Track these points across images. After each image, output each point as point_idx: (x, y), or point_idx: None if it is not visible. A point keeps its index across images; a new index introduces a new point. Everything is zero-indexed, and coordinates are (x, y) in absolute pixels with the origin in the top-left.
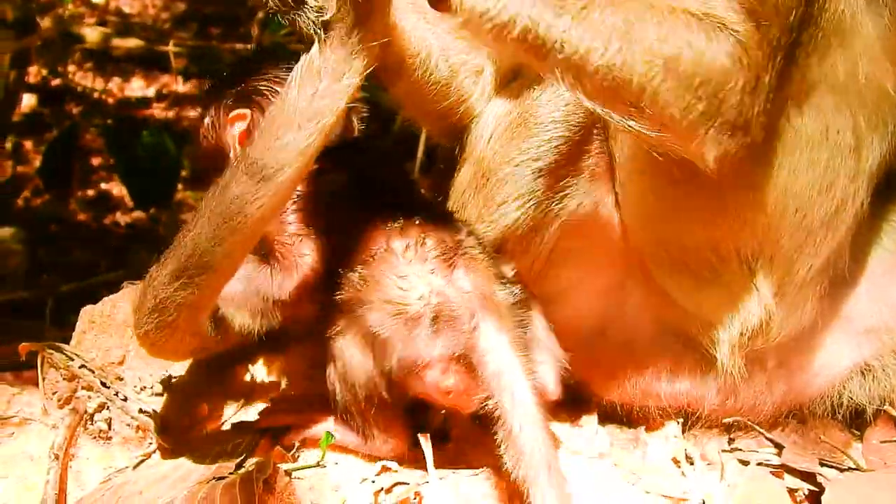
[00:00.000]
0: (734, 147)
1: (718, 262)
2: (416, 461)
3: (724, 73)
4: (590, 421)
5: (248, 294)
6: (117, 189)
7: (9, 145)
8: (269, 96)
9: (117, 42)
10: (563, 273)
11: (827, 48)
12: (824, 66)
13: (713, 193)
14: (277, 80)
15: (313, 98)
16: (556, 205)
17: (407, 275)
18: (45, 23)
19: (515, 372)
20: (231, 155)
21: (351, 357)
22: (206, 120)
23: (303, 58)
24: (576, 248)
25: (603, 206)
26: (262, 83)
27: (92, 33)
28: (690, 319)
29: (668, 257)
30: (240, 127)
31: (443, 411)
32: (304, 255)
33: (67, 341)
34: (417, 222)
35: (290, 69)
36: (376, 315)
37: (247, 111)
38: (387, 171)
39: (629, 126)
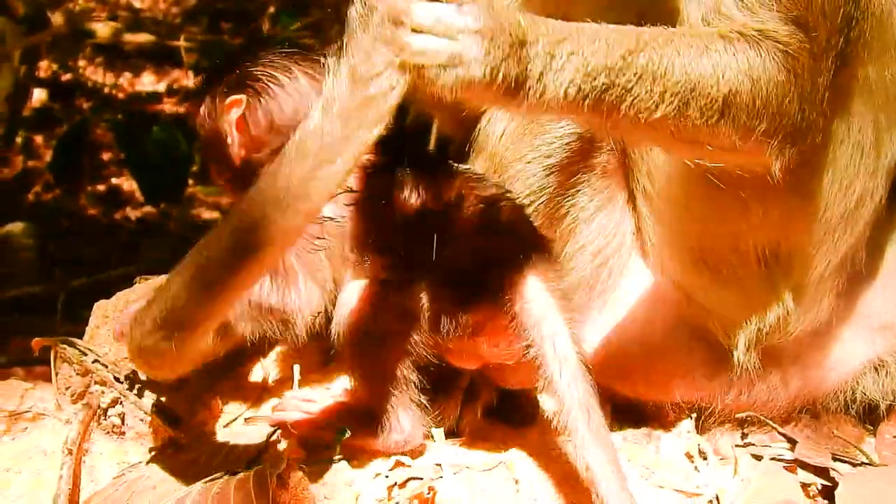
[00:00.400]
0: (797, 153)
1: (737, 259)
2: (430, 456)
3: (781, 88)
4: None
5: (253, 306)
6: (128, 184)
7: (19, 140)
8: (265, 81)
9: (128, 37)
10: (576, 267)
11: (867, 47)
12: (857, 66)
13: (733, 192)
14: (273, 64)
15: (350, 114)
16: (568, 201)
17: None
18: (56, 18)
19: (556, 320)
20: (228, 142)
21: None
22: (202, 108)
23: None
24: (588, 244)
25: (615, 203)
26: (258, 68)
27: (103, 28)
28: (707, 315)
29: (685, 254)
30: (236, 113)
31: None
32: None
33: (79, 336)
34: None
35: (285, 53)
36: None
37: (242, 97)
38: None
39: (687, 157)
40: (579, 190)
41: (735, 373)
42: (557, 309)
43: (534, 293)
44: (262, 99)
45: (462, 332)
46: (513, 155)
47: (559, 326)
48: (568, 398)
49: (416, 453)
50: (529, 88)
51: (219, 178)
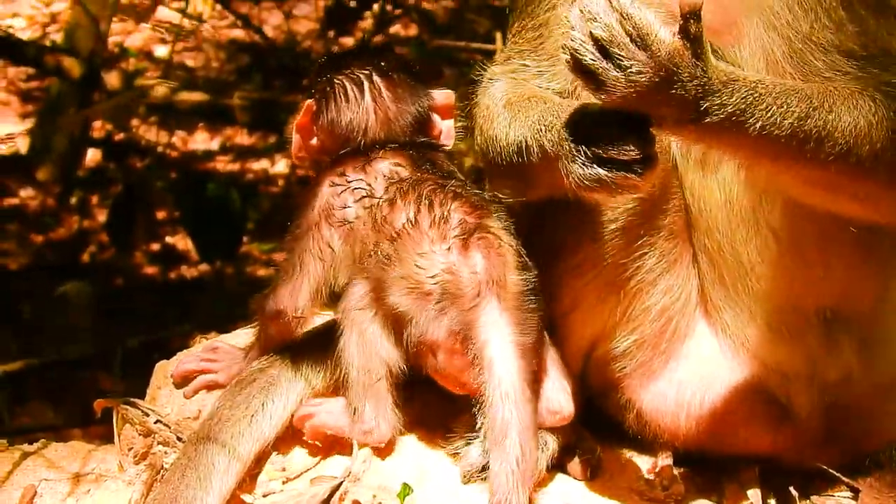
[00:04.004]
0: None
1: (798, 318)
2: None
3: None
4: (667, 468)
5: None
6: (182, 242)
7: (74, 200)
8: (336, 89)
9: (182, 96)
10: (641, 326)
11: None
12: None
13: (794, 252)
14: (351, 74)
15: None
16: (634, 263)
17: (426, 252)
18: (110, 78)
19: (508, 364)
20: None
21: (370, 328)
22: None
23: None
24: (654, 305)
25: (681, 263)
26: (337, 74)
27: (158, 87)
28: (769, 373)
29: (746, 313)
30: (302, 117)
31: None
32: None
33: (138, 394)
34: (445, 199)
35: (366, 64)
36: (396, 291)
37: (311, 101)
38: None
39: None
40: (645, 252)
41: (798, 426)
42: (512, 349)
43: (489, 331)
44: (326, 107)
45: (419, 347)
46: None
47: (506, 369)
48: (500, 450)
49: (383, 452)
50: None
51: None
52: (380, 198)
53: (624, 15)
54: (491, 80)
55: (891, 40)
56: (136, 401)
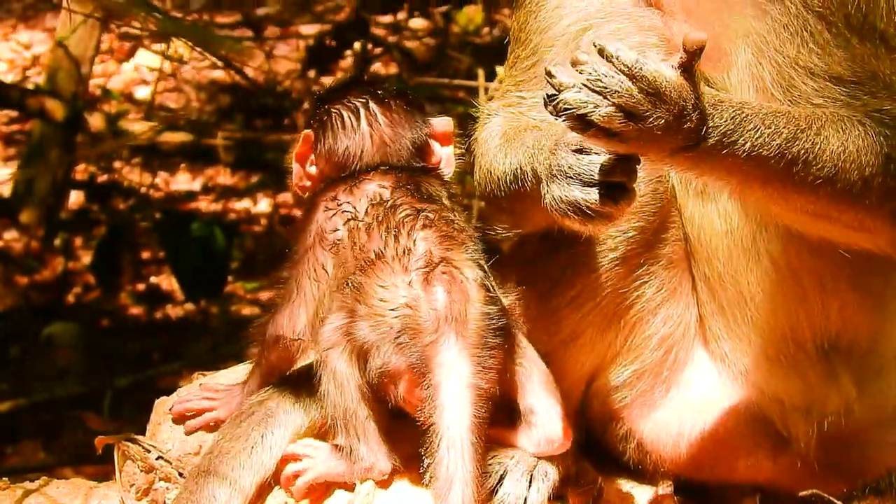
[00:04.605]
0: None
1: (796, 349)
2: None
3: None
4: (668, 498)
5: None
6: (167, 282)
7: (58, 242)
8: (332, 118)
9: (165, 136)
10: (641, 356)
11: None
12: None
13: (792, 282)
14: (347, 103)
15: None
16: (634, 293)
17: (387, 285)
18: (93, 120)
19: (458, 412)
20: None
21: (340, 367)
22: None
23: None
24: (654, 334)
25: (681, 292)
26: (334, 104)
27: (140, 129)
28: (768, 402)
29: (745, 343)
30: (301, 146)
31: None
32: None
33: (126, 432)
34: (413, 229)
35: (361, 93)
36: (360, 325)
37: (309, 132)
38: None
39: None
40: (645, 281)
41: (796, 455)
42: (465, 394)
43: (446, 368)
44: (324, 135)
45: (381, 378)
46: None
47: (455, 417)
48: (442, 469)
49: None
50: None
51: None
52: (360, 220)
53: (635, 77)
54: (489, 115)
55: (878, 64)
56: (138, 437)
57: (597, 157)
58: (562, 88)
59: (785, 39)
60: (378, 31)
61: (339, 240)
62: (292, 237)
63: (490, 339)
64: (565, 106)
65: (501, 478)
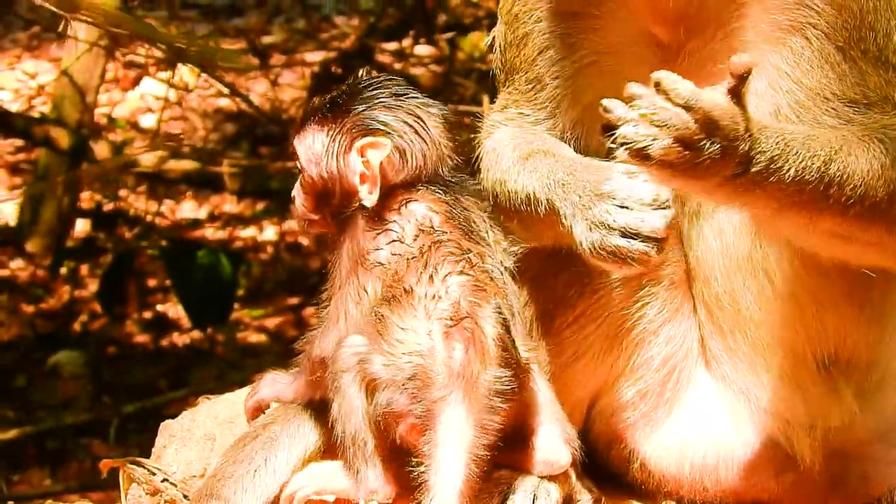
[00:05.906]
0: None
1: (796, 365)
2: None
3: None
4: None
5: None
6: (173, 310)
7: (64, 270)
8: (405, 126)
9: (171, 164)
10: (644, 376)
11: None
12: None
13: (789, 298)
14: (404, 110)
15: None
16: (635, 314)
17: (407, 328)
18: (99, 149)
19: (453, 474)
20: (355, 181)
21: (351, 392)
22: (320, 145)
23: None
24: (656, 355)
25: (682, 313)
26: (389, 112)
27: (146, 157)
28: (770, 419)
29: (745, 362)
30: (378, 156)
31: None
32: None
33: (132, 458)
34: (451, 273)
35: (409, 100)
36: (376, 358)
37: (386, 141)
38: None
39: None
40: (647, 302)
41: (799, 471)
42: (463, 458)
43: (448, 427)
44: (403, 143)
45: (386, 415)
46: None
47: (449, 479)
48: None
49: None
50: None
51: (315, 213)
52: (408, 245)
53: (692, 108)
54: (493, 125)
55: (890, 90)
56: (143, 460)
57: (646, 215)
58: (620, 123)
59: (805, 71)
60: (383, 59)
61: (381, 259)
62: (331, 257)
63: (497, 403)
64: (623, 140)
65: (505, 498)
